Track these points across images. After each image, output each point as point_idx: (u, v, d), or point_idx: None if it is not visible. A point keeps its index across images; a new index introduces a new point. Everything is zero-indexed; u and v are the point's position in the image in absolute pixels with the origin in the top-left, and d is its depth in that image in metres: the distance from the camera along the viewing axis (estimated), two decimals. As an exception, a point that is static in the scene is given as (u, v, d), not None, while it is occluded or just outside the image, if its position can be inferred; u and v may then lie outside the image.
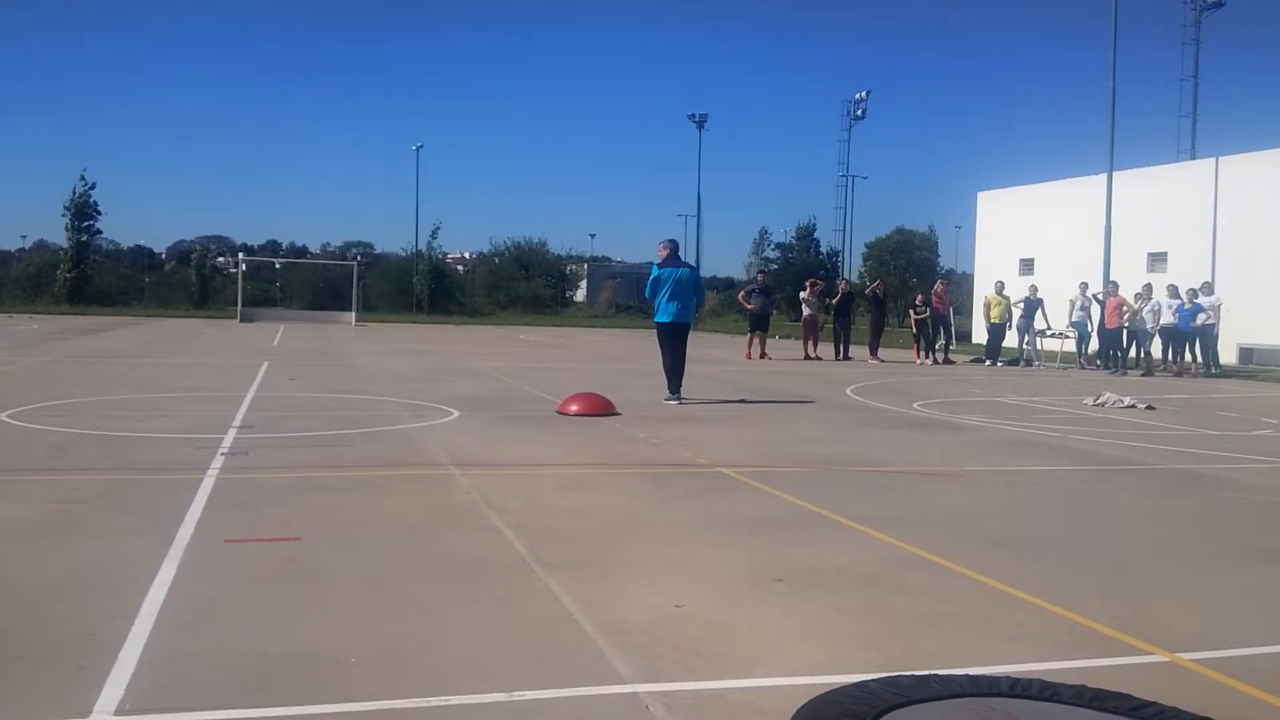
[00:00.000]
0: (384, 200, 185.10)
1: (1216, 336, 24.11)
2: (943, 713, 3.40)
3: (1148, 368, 24.06)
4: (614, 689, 3.72)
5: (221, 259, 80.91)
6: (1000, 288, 27.95)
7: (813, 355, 26.04)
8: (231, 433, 9.94)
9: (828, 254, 79.51)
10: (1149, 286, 24.94)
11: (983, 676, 3.74)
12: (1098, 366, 25.05)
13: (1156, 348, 24.44)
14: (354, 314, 50.76)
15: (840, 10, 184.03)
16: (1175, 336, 23.91)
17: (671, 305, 14.17)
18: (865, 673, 3.82)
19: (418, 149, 73.90)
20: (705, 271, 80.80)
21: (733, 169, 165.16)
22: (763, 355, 25.33)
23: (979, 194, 46.22)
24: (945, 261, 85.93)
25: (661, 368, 14.44)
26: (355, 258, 75.62)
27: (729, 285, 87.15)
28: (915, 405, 14.85)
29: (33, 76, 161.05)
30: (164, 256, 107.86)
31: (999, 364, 26.21)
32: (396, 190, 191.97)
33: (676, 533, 6.31)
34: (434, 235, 71.92)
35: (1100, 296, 25.46)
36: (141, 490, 7.25)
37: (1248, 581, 5.63)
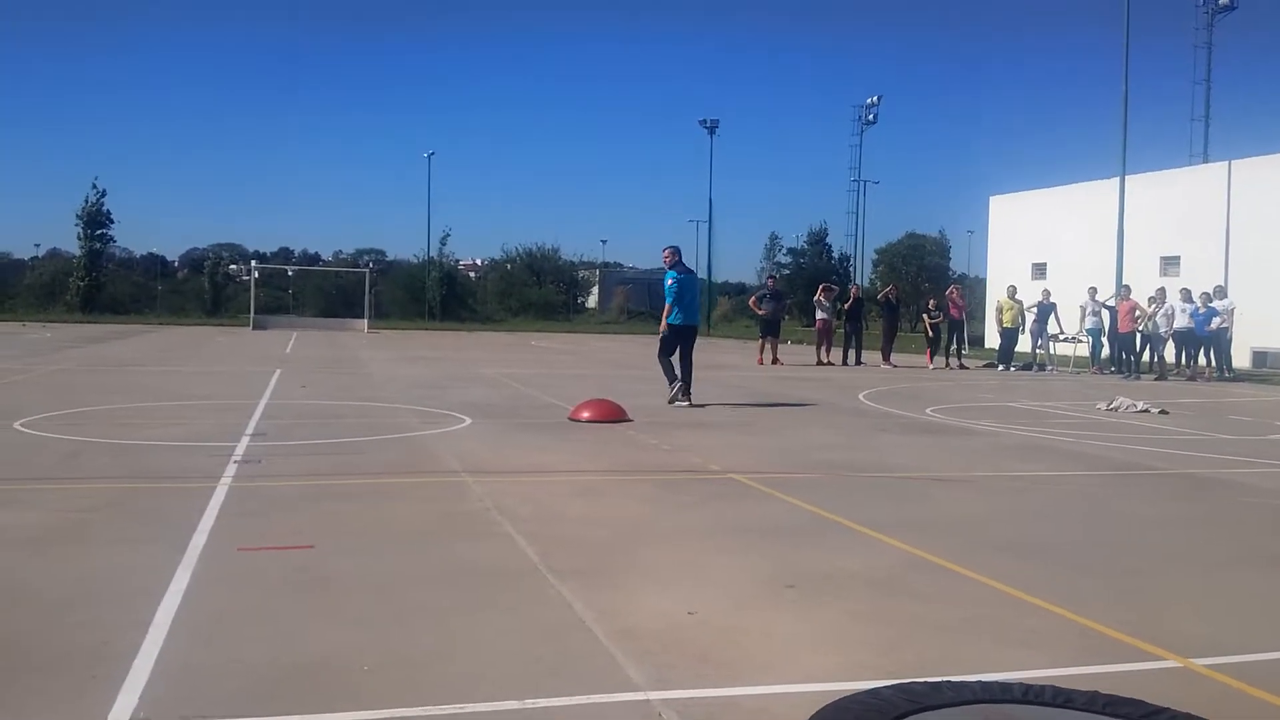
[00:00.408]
0: (396, 208, 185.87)
1: (1230, 340, 24.04)
2: (956, 719, 3.39)
3: (1161, 372, 23.98)
4: (626, 696, 3.72)
5: (234, 267, 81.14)
6: (1012, 292, 27.92)
7: (825, 361, 26.03)
8: (244, 440, 9.97)
9: (840, 259, 79.43)
10: (1162, 290, 24.88)
11: (996, 683, 3.74)
12: (1111, 371, 24.98)
13: (1170, 352, 24.37)
14: (366, 321, 50.86)
15: (851, 16, 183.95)
16: (1189, 340, 23.83)
17: (691, 308, 14.87)
18: (878, 679, 3.82)
19: (429, 156, 73.98)
20: (717, 277, 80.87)
21: (744, 174, 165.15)
22: (775, 361, 25.31)
23: (991, 198, 46.19)
24: (957, 266, 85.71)
25: (666, 371, 14.84)
26: (367, 265, 75.67)
27: (740, 291, 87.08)
28: (928, 410, 14.83)
29: (45, 86, 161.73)
30: (177, 264, 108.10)
31: (1012, 369, 26.16)
32: (408, 198, 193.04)
33: (688, 539, 6.30)
34: (443, 242, 72.12)
35: (1111, 303, 25.41)
36: (154, 499, 7.27)
37: (1261, 586, 5.61)
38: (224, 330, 45.08)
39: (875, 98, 63.45)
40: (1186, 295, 23.92)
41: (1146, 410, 15.11)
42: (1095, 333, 26.08)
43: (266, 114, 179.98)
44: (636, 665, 4.02)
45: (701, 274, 75.48)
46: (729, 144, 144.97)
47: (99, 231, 64.21)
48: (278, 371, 19.55)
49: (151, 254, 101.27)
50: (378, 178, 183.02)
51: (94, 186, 63.97)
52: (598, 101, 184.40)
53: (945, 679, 3.75)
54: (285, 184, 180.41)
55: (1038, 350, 27.02)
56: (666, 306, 14.77)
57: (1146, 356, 24.72)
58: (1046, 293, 27.42)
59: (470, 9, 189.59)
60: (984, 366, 27.34)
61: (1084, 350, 26.97)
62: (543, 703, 3.63)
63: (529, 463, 9.21)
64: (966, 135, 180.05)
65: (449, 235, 75.59)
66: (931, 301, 28.64)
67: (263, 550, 5.75)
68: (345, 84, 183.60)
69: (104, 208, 63.82)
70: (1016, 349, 27.43)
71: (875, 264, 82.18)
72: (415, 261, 76.08)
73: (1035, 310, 26.87)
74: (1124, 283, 26.65)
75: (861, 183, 63.58)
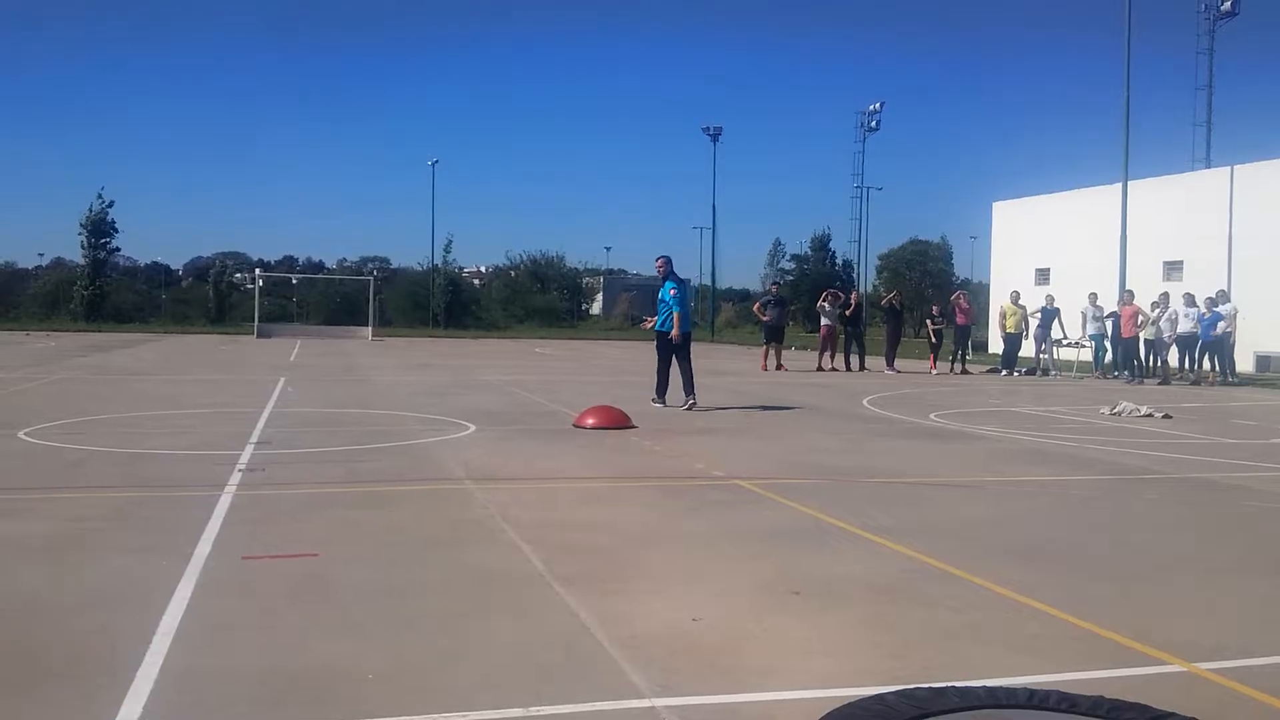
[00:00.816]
0: (400, 215, 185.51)
1: (1233, 345, 24.01)
2: (960, 725, 3.39)
3: (1164, 377, 23.96)
4: (631, 703, 3.72)
5: (238, 275, 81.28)
6: (1016, 297, 27.91)
7: (828, 367, 26.02)
8: (249, 449, 9.98)
9: (843, 265, 79.49)
10: (1166, 295, 24.85)
11: (1000, 688, 3.73)
12: (1114, 376, 24.96)
13: (1173, 356, 24.34)
14: (370, 329, 50.92)
15: (853, 22, 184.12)
16: (1192, 345, 23.81)
17: (685, 316, 15.37)
18: (883, 685, 3.81)
19: (433, 164, 74.11)
20: (720, 283, 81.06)
21: (747, 181, 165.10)
22: (779, 366, 25.32)
23: (994, 204, 46.22)
24: (960, 272, 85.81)
25: (664, 376, 15.23)
26: (371, 273, 75.89)
27: (744, 297, 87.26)
28: (931, 416, 14.82)
29: (50, 95, 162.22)
30: (181, 273, 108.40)
31: (1015, 374, 26.15)
32: (412, 205, 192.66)
33: (693, 545, 6.31)
34: (447, 249, 72.19)
35: (1115, 309, 25.39)
36: (159, 507, 7.28)
37: (1266, 591, 5.60)
38: (228, 339, 45.11)
39: (878, 104, 63.42)
40: (1189, 300, 23.90)
41: (1150, 415, 15.09)
42: (1098, 338, 26.06)
43: (270, 122, 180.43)
44: (641, 672, 4.02)
45: (705, 280, 75.83)
46: (732, 151, 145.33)
47: (103, 240, 64.33)
48: (282, 380, 19.57)
49: (156, 262, 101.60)
50: (382, 185, 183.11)
51: (100, 196, 64.14)
52: (602, 109, 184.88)
53: (950, 684, 3.75)
54: (289, 192, 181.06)
55: (1041, 355, 27.00)
56: (677, 315, 15.05)
57: (1150, 361, 24.68)
58: (1050, 298, 27.39)
59: (473, 16, 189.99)
60: (987, 372, 27.32)
61: (1087, 355, 26.94)
62: (547, 709, 3.63)
63: (533, 469, 9.22)
64: (969, 141, 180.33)
65: (452, 242, 75.58)
66: (935, 307, 28.63)
67: (267, 559, 5.76)
68: (349, 92, 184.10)
69: (108, 216, 63.95)
70: (1020, 354, 27.41)
71: (879, 270, 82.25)
72: (419, 269, 76.32)
73: (1039, 315, 26.85)
74: (1127, 288, 26.63)
75: (864, 189, 63.63)
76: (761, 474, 9.08)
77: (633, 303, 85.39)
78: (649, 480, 8.80)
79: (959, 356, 26.87)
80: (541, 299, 78.60)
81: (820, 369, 25.79)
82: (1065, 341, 27.14)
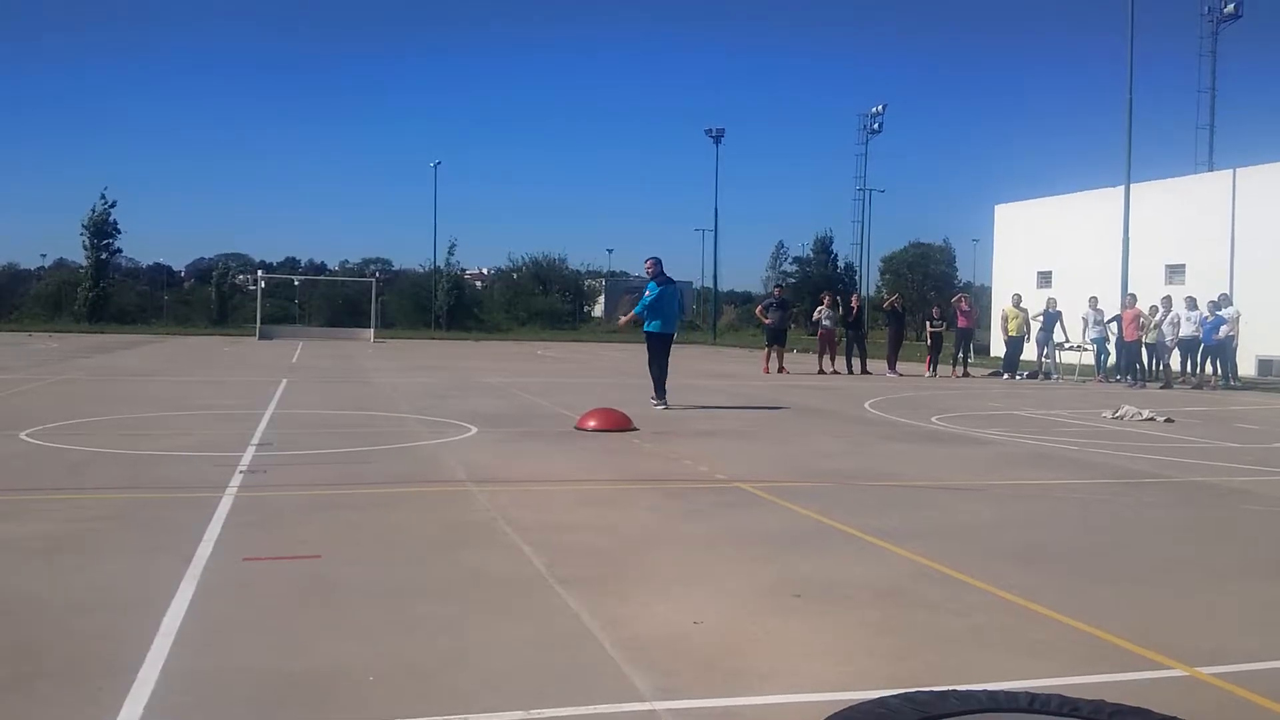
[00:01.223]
0: (402, 217, 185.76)
1: (1235, 348, 23.99)
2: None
3: (1167, 380, 23.94)
4: (632, 706, 3.72)
5: (241, 277, 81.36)
6: (1018, 300, 27.88)
7: (829, 369, 26.02)
8: (250, 451, 9.98)
9: (845, 268, 79.49)
10: (1168, 299, 24.82)
11: (1002, 691, 3.73)
12: (1117, 380, 24.95)
13: (1175, 360, 24.32)
14: (373, 331, 50.96)
15: (855, 25, 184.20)
16: (1194, 348, 23.79)
17: (670, 318, 15.81)
18: (884, 688, 3.81)
19: (436, 166, 74.17)
20: (722, 286, 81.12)
21: (750, 183, 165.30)
22: (780, 369, 25.32)
23: (996, 207, 46.24)
24: (963, 274, 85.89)
25: (652, 376, 15.67)
26: (374, 274, 75.87)
27: (746, 300, 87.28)
28: (933, 419, 14.82)
29: (52, 96, 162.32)
30: (183, 274, 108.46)
31: (1017, 377, 26.14)
32: (415, 207, 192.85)
33: (694, 548, 6.30)
34: (450, 252, 72.25)
35: (1115, 313, 25.38)
36: (160, 509, 7.28)
37: (1268, 595, 5.59)
38: (230, 340, 45.13)
39: (880, 106, 63.18)
40: (1191, 303, 23.88)
41: (1152, 418, 15.08)
42: (1100, 341, 26.04)
43: (273, 124, 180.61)
44: (643, 674, 4.02)
45: (707, 283, 75.77)
46: (735, 153, 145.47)
47: (105, 241, 64.42)
48: (284, 381, 19.58)
49: (158, 264, 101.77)
50: (384, 187, 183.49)
51: (103, 197, 64.25)
52: (604, 111, 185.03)
53: (951, 688, 3.75)
54: (292, 194, 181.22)
55: (1043, 359, 26.98)
56: (631, 314, 16.01)
57: (1152, 365, 24.66)
58: (1052, 301, 27.37)
59: (476, 19, 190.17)
60: (989, 375, 27.31)
61: (1089, 359, 26.93)
62: (549, 712, 3.63)
63: (535, 472, 9.22)
64: (971, 144, 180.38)
65: (455, 245, 75.61)
66: (935, 309, 28.63)
67: (268, 560, 5.76)
68: (351, 94, 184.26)
69: (111, 218, 64.03)
70: (1022, 357, 27.41)
71: (881, 272, 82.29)
72: (422, 271, 76.36)
73: (1041, 319, 26.84)
74: (1129, 291, 26.62)
75: (867, 191, 63.44)
76: (763, 477, 9.08)
77: (634, 305, 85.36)
78: (650, 483, 8.80)
79: (960, 360, 26.86)
80: (543, 301, 78.68)
81: (821, 371, 25.79)
82: (1067, 345, 27.12)
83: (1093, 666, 4.25)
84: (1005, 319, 27.95)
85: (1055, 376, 26.37)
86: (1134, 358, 24.53)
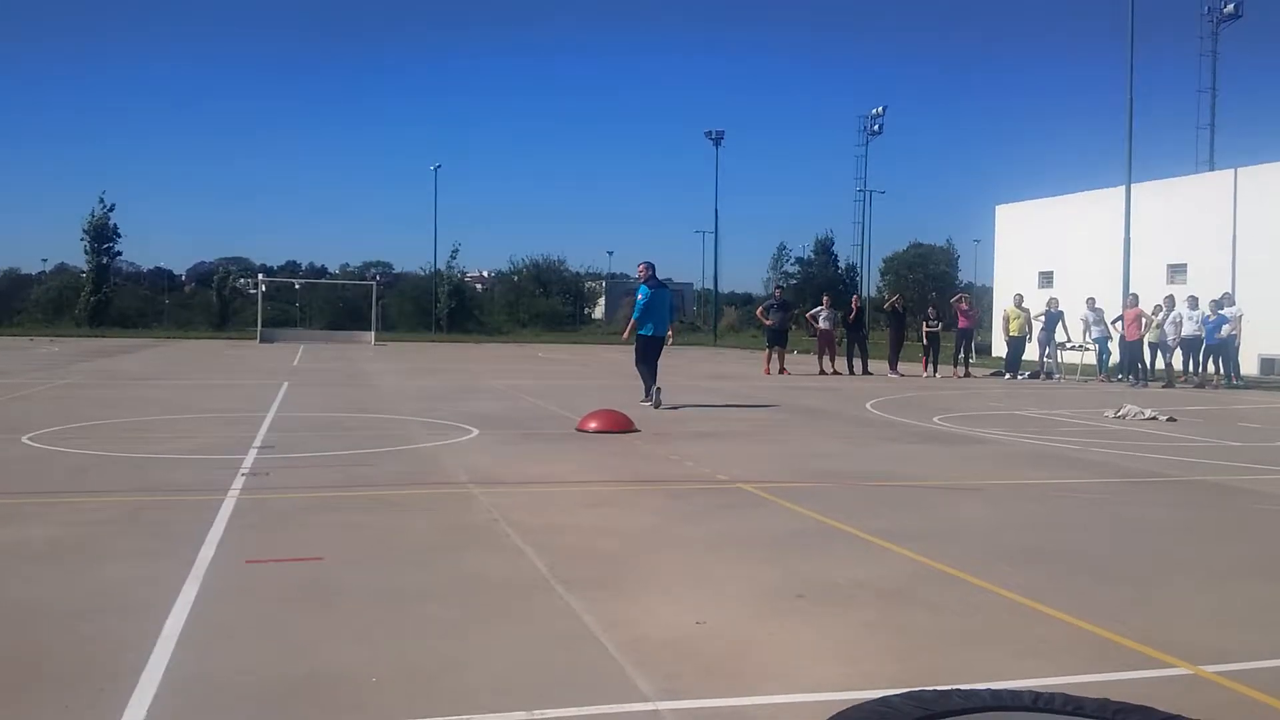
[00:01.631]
0: (403, 221, 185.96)
1: (1237, 348, 23.98)
2: (965, 728, 3.38)
3: (1169, 379, 23.94)
4: (636, 707, 3.72)
5: (242, 280, 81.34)
6: (1019, 301, 27.89)
7: (830, 370, 26.02)
8: (252, 453, 9.98)
9: (846, 269, 79.44)
10: (1170, 298, 24.82)
11: (1005, 690, 3.72)
12: (1118, 379, 24.94)
13: (1177, 359, 24.31)
14: (373, 334, 50.96)
15: (855, 26, 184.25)
16: (1196, 348, 23.79)
17: (662, 321, 16.06)
18: (887, 688, 3.80)
19: (436, 169, 74.16)
20: (723, 288, 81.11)
21: (750, 185, 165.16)
22: (781, 370, 25.32)
23: (997, 207, 46.20)
24: (964, 275, 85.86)
25: (645, 378, 15.96)
26: (374, 278, 75.90)
27: (747, 301, 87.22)
28: (935, 419, 14.81)
29: (52, 99, 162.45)
30: (184, 278, 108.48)
31: (1019, 377, 26.14)
32: (416, 211, 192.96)
33: (697, 549, 6.30)
34: (454, 255, 72.32)
35: (1120, 312, 25.37)
36: (162, 512, 7.28)
37: (1271, 593, 5.59)
38: (232, 344, 45.13)
39: (880, 108, 63.08)
40: (1193, 303, 23.88)
41: (1155, 418, 15.07)
42: (1102, 341, 26.04)
43: (273, 128, 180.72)
44: (645, 676, 4.01)
45: (708, 285, 75.72)
46: (735, 155, 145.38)
47: (106, 246, 64.44)
48: (285, 384, 19.58)
49: (159, 268, 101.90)
50: (385, 191, 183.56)
51: (101, 200, 64.27)
52: (604, 113, 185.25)
53: (955, 687, 3.74)
54: (292, 198, 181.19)
55: (1045, 358, 26.97)
56: (633, 321, 16.03)
57: (1154, 364, 24.65)
58: (1054, 301, 27.38)
59: (476, 22, 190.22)
60: (991, 375, 27.31)
61: (1091, 358, 26.92)
62: (551, 713, 3.62)
63: (537, 474, 9.21)
64: (972, 145, 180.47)
65: (458, 250, 75.55)
66: (931, 309, 28.66)
67: (271, 562, 5.76)
68: (352, 97, 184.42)
69: (111, 222, 64.07)
70: (1024, 357, 27.41)
71: (882, 273, 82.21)
72: (422, 274, 76.31)
73: (1042, 318, 26.84)
74: (1131, 290, 26.60)
75: (867, 193, 63.35)
76: (765, 477, 9.07)
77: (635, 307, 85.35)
78: (652, 484, 8.80)
79: (962, 360, 26.86)
80: (544, 304, 78.72)
81: (823, 372, 25.79)
82: (1069, 345, 27.10)
83: (1096, 665, 4.25)
84: (1007, 319, 27.96)
85: (1057, 376, 26.36)
86: (1136, 357, 24.52)
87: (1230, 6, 45.87)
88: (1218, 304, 23.91)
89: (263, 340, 46.97)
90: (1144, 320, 24.29)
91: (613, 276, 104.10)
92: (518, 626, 4.63)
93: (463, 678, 3.98)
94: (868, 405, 17.01)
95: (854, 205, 63.79)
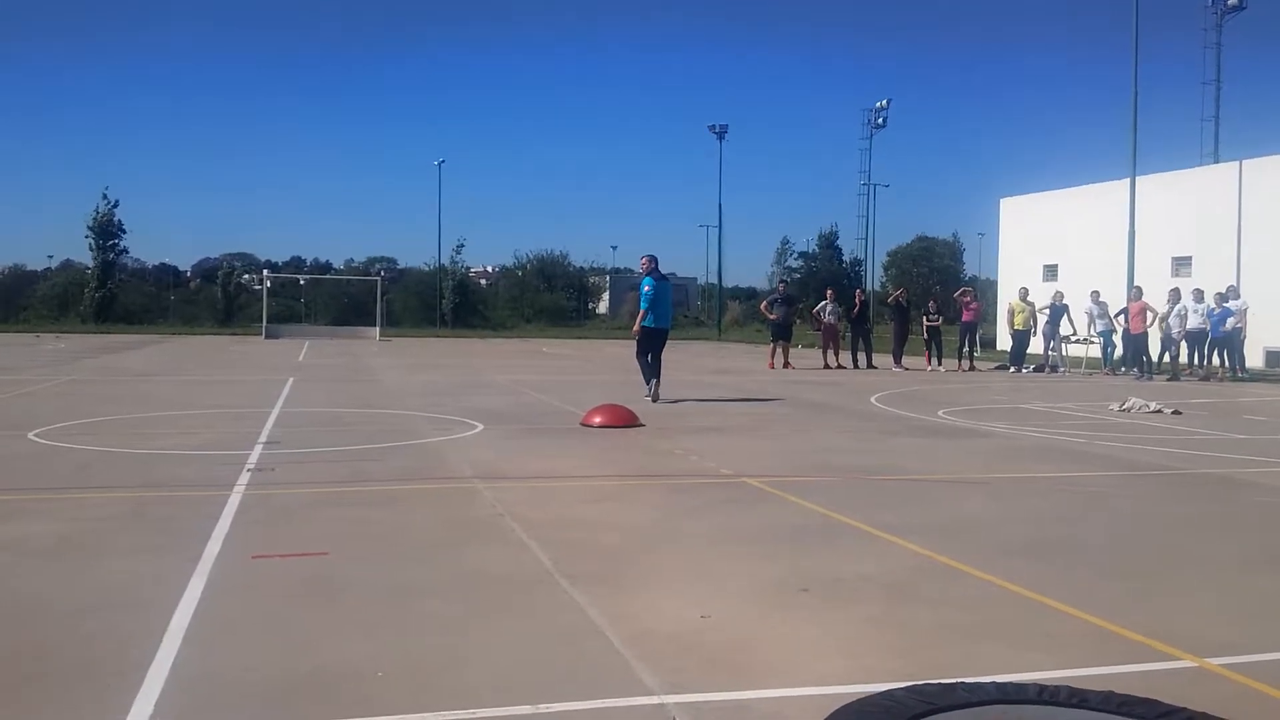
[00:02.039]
0: (407, 216, 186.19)
1: (1243, 340, 23.95)
2: (970, 721, 3.39)
3: (1174, 372, 23.91)
4: (640, 700, 3.72)
5: (246, 276, 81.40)
6: (1024, 294, 27.86)
7: (834, 364, 26.00)
8: (257, 449, 9.99)
9: (851, 263, 79.36)
10: (1176, 291, 24.76)
11: (1010, 684, 3.73)
12: (1123, 372, 24.91)
13: (1182, 352, 24.28)
14: (378, 329, 50.95)
15: (859, 20, 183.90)
16: (1201, 341, 23.76)
17: (665, 313, 16.20)
18: (892, 682, 3.81)
19: (439, 164, 74.08)
20: (727, 282, 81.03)
21: (754, 179, 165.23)
22: (786, 365, 25.30)
23: (1001, 200, 46.09)
24: (969, 268, 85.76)
25: (644, 370, 15.97)
26: (379, 273, 75.86)
27: (751, 295, 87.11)
28: (940, 413, 14.80)
29: (55, 96, 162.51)
30: (189, 274, 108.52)
31: (1023, 370, 26.11)
32: (420, 206, 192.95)
33: (701, 544, 6.30)
34: (458, 251, 72.33)
35: (1121, 306, 25.33)
36: (168, 507, 7.29)
37: (1276, 586, 5.59)
38: (237, 339, 45.17)
39: (884, 101, 62.91)
40: (1198, 295, 23.84)
41: (1159, 411, 15.05)
42: (1107, 334, 26.00)
43: (277, 123, 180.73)
44: (650, 669, 4.02)
45: (712, 279, 75.72)
46: (739, 149, 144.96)
47: (111, 242, 64.45)
48: (290, 380, 19.60)
49: (164, 264, 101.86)
50: (389, 186, 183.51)
51: (104, 197, 64.29)
52: (607, 108, 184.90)
53: (960, 680, 3.74)
54: (296, 193, 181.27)
55: (1050, 352, 26.93)
56: (641, 311, 15.96)
57: (1159, 357, 24.62)
58: (1059, 294, 27.34)
59: (479, 17, 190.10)
60: (995, 369, 27.29)
61: (1096, 351, 26.90)
62: (556, 707, 3.63)
63: (541, 468, 9.22)
64: (976, 137, 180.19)
65: (463, 245, 75.54)
66: (932, 303, 28.63)
67: (276, 558, 5.77)
68: (355, 93, 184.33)
69: (115, 218, 64.10)
70: (1028, 350, 27.37)
71: (886, 267, 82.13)
72: (427, 269, 76.35)
73: (1047, 312, 26.80)
74: (1136, 283, 26.56)
75: (871, 186, 63.21)
76: (770, 472, 9.07)
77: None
78: (656, 478, 8.80)
79: (966, 353, 26.83)
80: (548, 298, 78.71)
81: (827, 366, 25.76)
82: (1074, 338, 27.07)
83: (1101, 658, 4.25)
84: (1011, 312, 27.92)
85: (1061, 369, 26.33)
86: (1141, 350, 24.48)
87: (1234, -2, 45.72)
88: (1223, 297, 23.87)
89: (268, 336, 46.98)
90: (1149, 314, 24.25)
91: (617, 271, 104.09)
92: (522, 621, 4.64)
93: (468, 672, 3.99)
94: (872, 399, 17.00)
95: (858, 199, 63.72)
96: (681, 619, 4.68)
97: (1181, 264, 34.53)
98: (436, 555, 5.92)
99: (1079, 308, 26.91)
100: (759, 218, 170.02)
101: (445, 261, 71.58)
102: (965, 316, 27.09)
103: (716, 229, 68.48)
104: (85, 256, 66.45)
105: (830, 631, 4.56)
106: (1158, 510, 7.82)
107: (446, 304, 68.76)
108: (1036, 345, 27.58)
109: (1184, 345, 24.10)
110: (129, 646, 4.21)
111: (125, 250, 68.42)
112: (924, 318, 27.83)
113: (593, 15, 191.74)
